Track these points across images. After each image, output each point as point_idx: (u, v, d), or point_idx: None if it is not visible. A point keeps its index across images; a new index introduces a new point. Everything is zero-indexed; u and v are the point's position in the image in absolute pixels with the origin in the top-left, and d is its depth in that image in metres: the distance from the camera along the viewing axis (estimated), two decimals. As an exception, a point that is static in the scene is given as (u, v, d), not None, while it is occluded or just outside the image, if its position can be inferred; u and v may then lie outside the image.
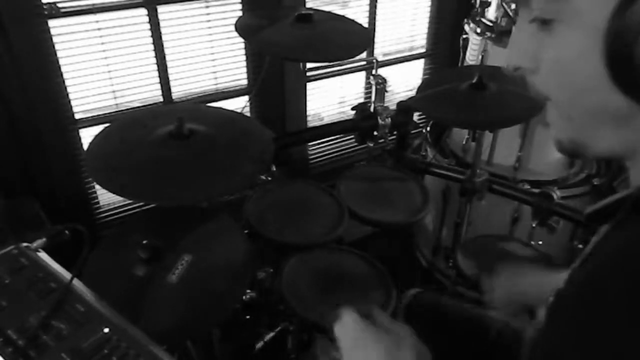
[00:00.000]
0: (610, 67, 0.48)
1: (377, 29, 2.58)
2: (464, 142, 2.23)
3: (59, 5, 1.82)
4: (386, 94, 1.76)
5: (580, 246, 2.11)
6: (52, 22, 1.84)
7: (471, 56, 2.16)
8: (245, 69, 2.30)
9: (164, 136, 1.22)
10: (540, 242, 1.92)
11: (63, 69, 1.92)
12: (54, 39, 1.86)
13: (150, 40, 2.03)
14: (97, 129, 1.34)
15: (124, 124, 1.40)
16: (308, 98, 2.54)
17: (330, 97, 2.65)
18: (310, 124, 2.63)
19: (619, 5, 0.45)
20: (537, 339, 0.63)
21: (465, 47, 2.17)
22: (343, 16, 1.77)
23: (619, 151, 0.55)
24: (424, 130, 2.39)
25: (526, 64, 0.58)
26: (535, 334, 0.67)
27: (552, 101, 0.57)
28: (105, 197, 2.22)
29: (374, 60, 1.85)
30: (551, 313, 0.60)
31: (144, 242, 1.16)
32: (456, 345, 1.20)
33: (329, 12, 1.76)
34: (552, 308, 0.60)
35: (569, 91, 0.54)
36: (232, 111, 1.55)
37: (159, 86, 2.14)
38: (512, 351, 1.11)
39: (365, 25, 2.49)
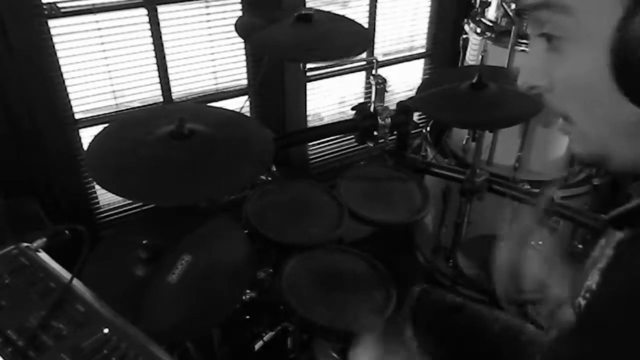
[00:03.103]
0: (617, 78, 0.49)
1: (377, 29, 2.58)
2: (464, 142, 2.23)
3: (59, 5, 1.82)
4: (386, 94, 1.76)
5: (580, 246, 2.11)
6: (52, 22, 1.84)
7: (471, 56, 2.16)
8: (245, 69, 2.30)
9: (164, 136, 1.21)
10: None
11: (63, 69, 1.92)
12: (54, 39, 1.86)
13: (150, 40, 2.03)
14: (97, 129, 1.34)
15: (124, 124, 1.40)
16: (308, 98, 2.54)
17: (330, 97, 2.65)
18: (310, 124, 2.63)
19: (623, 17, 0.47)
20: (565, 340, 0.63)
21: (465, 47, 2.17)
22: (343, 16, 1.77)
23: (638, 164, 0.56)
24: (424, 130, 2.39)
25: (540, 83, 0.59)
26: (559, 335, 0.67)
27: (569, 118, 0.58)
28: (105, 197, 2.22)
29: (374, 60, 1.84)
30: (583, 316, 0.60)
31: (144, 242, 1.15)
32: (460, 343, 1.20)
33: (329, 12, 1.76)
34: (584, 311, 0.60)
35: (583, 107, 0.56)
36: (232, 111, 1.55)
37: (159, 86, 2.14)
38: (514, 351, 1.11)
39: (365, 25, 2.49)
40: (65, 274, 0.81)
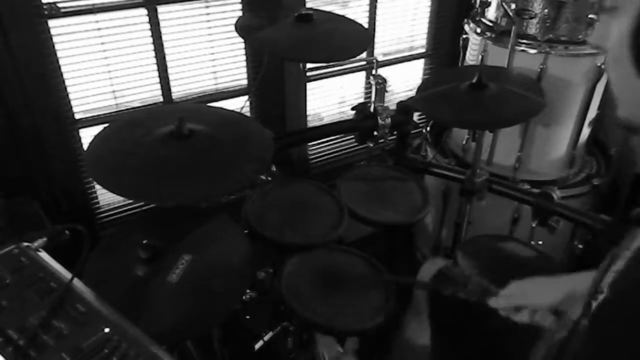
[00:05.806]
0: (631, 52, 0.52)
1: (377, 29, 2.58)
2: (464, 142, 2.23)
3: (59, 5, 1.82)
4: (386, 94, 1.76)
5: (581, 246, 2.11)
6: (52, 22, 1.84)
7: (471, 56, 2.16)
8: (245, 69, 2.30)
9: (164, 136, 1.21)
10: (541, 242, 1.91)
11: (63, 69, 1.92)
12: (54, 39, 1.86)
13: (150, 40, 2.03)
14: (97, 129, 1.34)
15: (124, 124, 1.40)
16: (308, 98, 2.54)
17: (330, 97, 2.66)
18: (310, 124, 2.63)
19: None
20: (578, 340, 0.63)
21: (465, 47, 2.18)
22: (343, 16, 1.77)
23: None
24: (424, 130, 2.39)
25: (605, 45, 0.61)
26: (569, 334, 0.66)
27: (612, 82, 0.61)
28: (105, 197, 2.22)
29: (374, 60, 1.85)
30: (596, 317, 0.60)
31: (144, 242, 1.16)
32: (475, 323, 1.20)
33: (329, 12, 1.77)
34: (597, 312, 0.60)
35: (615, 74, 0.58)
36: (232, 111, 1.55)
37: (159, 86, 2.14)
38: (526, 336, 1.11)
39: (365, 25, 2.49)
40: (66, 274, 0.81)
